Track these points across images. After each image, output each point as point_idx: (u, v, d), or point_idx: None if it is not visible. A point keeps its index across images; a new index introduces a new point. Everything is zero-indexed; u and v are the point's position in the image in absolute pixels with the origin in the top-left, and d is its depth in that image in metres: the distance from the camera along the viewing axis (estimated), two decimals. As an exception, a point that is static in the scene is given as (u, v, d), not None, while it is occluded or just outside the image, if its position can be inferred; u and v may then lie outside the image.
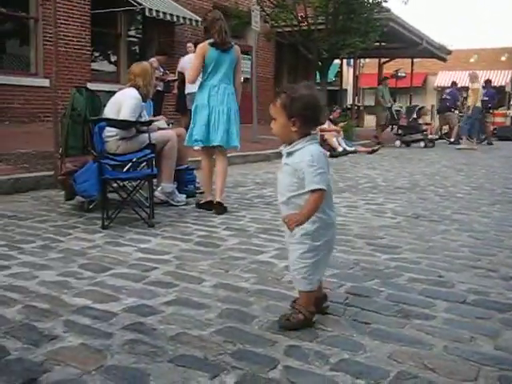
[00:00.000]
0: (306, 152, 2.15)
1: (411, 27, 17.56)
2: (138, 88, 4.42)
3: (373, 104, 16.75)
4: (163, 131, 4.66)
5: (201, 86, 4.55)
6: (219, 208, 4.40)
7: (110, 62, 14.07)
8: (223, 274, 2.85)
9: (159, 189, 4.56)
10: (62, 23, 10.85)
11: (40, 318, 2.21)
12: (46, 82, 11.26)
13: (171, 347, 1.99)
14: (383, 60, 21.58)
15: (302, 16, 13.97)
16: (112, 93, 4.91)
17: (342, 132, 11.35)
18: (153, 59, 9.58)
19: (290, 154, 2.22)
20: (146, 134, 4.26)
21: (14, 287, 2.58)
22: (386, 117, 14.20)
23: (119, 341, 2.03)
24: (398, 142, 14.09)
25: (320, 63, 14.63)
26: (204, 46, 4.47)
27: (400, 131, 14.32)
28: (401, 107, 14.83)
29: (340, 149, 10.75)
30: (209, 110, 4.42)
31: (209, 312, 2.32)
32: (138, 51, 14.98)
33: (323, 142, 10.53)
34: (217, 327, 2.16)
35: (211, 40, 4.45)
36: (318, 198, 2.11)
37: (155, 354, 1.94)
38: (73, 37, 11.89)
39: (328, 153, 10.22)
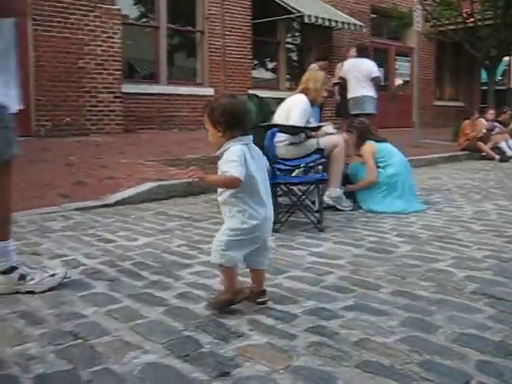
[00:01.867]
0: (228, 151, 2.35)
1: None
2: (307, 92, 4.49)
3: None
4: (331, 136, 4.68)
5: None
6: None
7: (270, 70, 14.49)
8: (400, 282, 2.77)
9: (327, 193, 4.58)
10: (225, 34, 11.38)
11: (226, 315, 2.32)
12: (210, 91, 11.89)
13: (356, 352, 1.97)
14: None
15: (467, 12, 13.28)
16: (272, 100, 5.08)
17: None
18: (313, 65, 9.67)
19: (220, 156, 2.40)
20: (315, 139, 4.31)
21: (199, 285, 2.74)
22: None
23: (303, 342, 2.06)
24: None
25: (487, 61, 13.77)
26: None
27: None
28: None
29: (510, 153, 10.02)
30: None
31: (390, 319, 2.27)
32: (296, 58, 15.27)
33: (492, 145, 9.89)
34: (400, 335, 2.11)
35: None
36: (227, 178, 2.30)
37: (341, 358, 1.93)
38: (235, 47, 12.44)
39: (497, 157, 9.59)
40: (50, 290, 2.64)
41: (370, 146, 4.96)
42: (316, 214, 4.06)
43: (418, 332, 2.14)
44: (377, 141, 5.00)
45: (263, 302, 2.47)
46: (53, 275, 2.69)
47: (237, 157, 2.31)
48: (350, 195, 4.88)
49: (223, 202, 2.42)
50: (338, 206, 4.68)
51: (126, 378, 1.80)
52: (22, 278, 2.63)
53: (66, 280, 2.74)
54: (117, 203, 4.88)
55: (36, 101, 9.03)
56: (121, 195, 5.05)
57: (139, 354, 1.96)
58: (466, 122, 10.40)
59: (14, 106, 2.53)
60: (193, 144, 8.92)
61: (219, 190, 2.44)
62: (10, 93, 2.49)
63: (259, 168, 2.42)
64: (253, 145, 2.44)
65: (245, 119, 2.43)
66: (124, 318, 2.30)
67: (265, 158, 2.54)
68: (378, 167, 4.87)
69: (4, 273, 2.62)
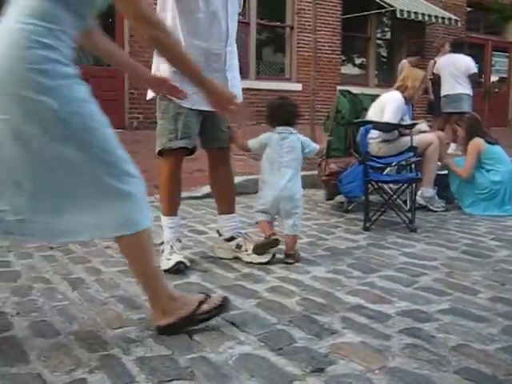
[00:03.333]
0: None
1: None
2: (404, 89, 4.39)
3: None
4: (425, 134, 4.55)
5: None
6: None
7: (359, 65, 14.28)
8: (499, 287, 2.66)
9: (419, 193, 4.46)
10: (316, 29, 11.31)
11: (318, 312, 2.31)
12: (298, 87, 11.88)
13: (454, 358, 1.91)
14: None
15: None
16: (365, 96, 5.00)
17: None
18: (404, 61, 9.46)
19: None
20: (408, 137, 4.20)
21: (291, 279, 2.75)
22: None
23: (398, 344, 2.02)
24: None
25: None
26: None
27: None
28: None
29: None
30: None
31: (490, 326, 2.18)
32: (385, 54, 14.95)
33: None
34: (502, 344, 2.02)
35: None
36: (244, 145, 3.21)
37: (438, 362, 1.88)
38: (325, 42, 12.34)
39: None
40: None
41: (478, 142, 4.68)
42: (408, 214, 3.96)
43: (521, 341, 2.04)
44: (488, 142, 4.73)
45: (288, 263, 2.99)
46: (169, 259, 2.84)
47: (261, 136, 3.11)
48: (443, 196, 4.72)
49: None
50: (431, 207, 4.55)
51: (222, 366, 1.83)
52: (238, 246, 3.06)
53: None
54: (207, 196, 4.97)
55: (129, 94, 9.38)
56: (208, 188, 5.14)
57: (234, 345, 1.99)
58: None
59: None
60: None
61: None
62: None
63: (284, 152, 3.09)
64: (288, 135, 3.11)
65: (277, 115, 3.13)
66: (218, 308, 2.34)
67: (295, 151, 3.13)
68: (482, 168, 4.65)
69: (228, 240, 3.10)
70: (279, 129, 3.13)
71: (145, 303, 2.38)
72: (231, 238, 3.11)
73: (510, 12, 11.99)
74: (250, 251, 3.04)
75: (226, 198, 3.18)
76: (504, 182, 4.54)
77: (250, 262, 3.01)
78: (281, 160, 3.10)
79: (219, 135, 3.02)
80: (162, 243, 2.95)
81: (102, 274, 2.80)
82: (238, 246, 3.08)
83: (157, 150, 2.90)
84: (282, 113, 3.15)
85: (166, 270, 2.77)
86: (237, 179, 5.37)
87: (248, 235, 3.27)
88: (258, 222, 3.19)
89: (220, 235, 3.18)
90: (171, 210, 2.98)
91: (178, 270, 2.81)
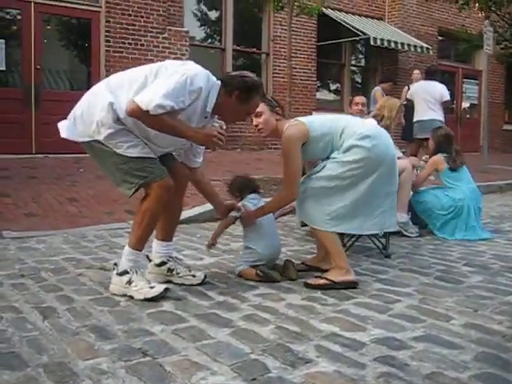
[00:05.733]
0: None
1: None
2: (380, 119, 4.45)
3: None
4: (398, 160, 4.58)
5: None
6: None
7: (334, 91, 14.48)
8: (472, 314, 2.68)
9: (393, 219, 4.49)
10: (291, 56, 11.46)
11: (293, 340, 2.30)
12: (274, 112, 11.95)
13: (428, 386, 1.91)
14: None
15: (540, 34, 12.90)
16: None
17: None
18: (377, 87, 9.61)
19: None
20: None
21: (265, 307, 2.73)
22: None
23: (373, 372, 2.01)
24: None
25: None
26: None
27: None
28: None
29: None
30: None
31: (463, 353, 2.19)
32: (360, 80, 15.20)
33: None
34: (475, 371, 2.02)
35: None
36: None
37: (412, 391, 1.88)
38: (300, 68, 12.52)
39: None
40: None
41: (439, 160, 4.79)
42: (382, 240, 3.99)
43: (494, 369, 2.05)
44: (450, 168, 4.81)
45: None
46: (152, 287, 2.83)
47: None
48: (417, 222, 4.77)
49: None
50: (405, 232, 4.59)
51: (195, 398, 1.81)
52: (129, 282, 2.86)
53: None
54: (182, 222, 4.93)
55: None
56: (186, 214, 5.11)
57: (207, 375, 1.96)
58: None
59: None
60: (256, 164, 9.00)
61: None
62: None
63: None
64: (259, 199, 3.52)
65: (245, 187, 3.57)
66: (191, 337, 2.32)
67: None
68: (444, 188, 4.75)
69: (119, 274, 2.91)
70: (251, 196, 3.48)
71: (117, 332, 2.35)
72: (162, 263, 3.14)
73: (478, 42, 12.31)
74: (182, 273, 3.11)
75: (173, 225, 3.24)
76: (465, 198, 4.63)
77: (182, 284, 3.08)
78: (263, 222, 3.36)
79: (174, 160, 3.12)
80: (118, 273, 2.90)
81: (74, 303, 2.75)
82: (170, 270, 3.13)
83: (131, 191, 2.87)
84: (250, 184, 3.58)
85: (150, 299, 2.76)
86: (199, 209, 5.36)
87: (178, 258, 3.29)
88: (241, 271, 3.29)
89: (150, 260, 3.19)
90: (144, 245, 2.95)
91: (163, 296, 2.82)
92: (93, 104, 2.84)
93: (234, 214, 3.35)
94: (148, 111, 2.63)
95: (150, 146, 2.89)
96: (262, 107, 3.20)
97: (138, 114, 2.68)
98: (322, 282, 3.11)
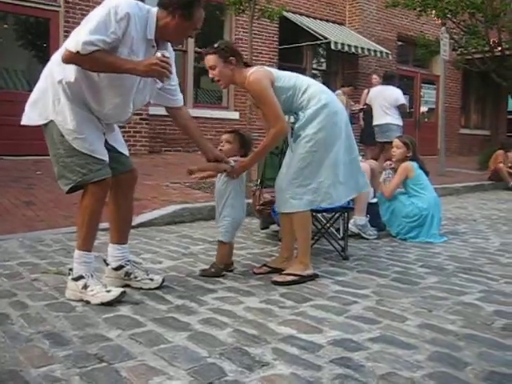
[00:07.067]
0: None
1: None
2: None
3: None
4: (357, 163, 4.65)
5: None
6: None
7: (295, 95, 14.52)
8: (427, 314, 2.73)
9: (352, 221, 4.56)
10: (253, 59, 11.49)
11: (250, 344, 2.30)
12: (236, 115, 11.99)
13: (382, 387, 1.94)
14: None
15: (494, 41, 13.25)
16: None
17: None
18: (338, 91, 9.72)
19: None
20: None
21: (224, 311, 2.73)
22: None
23: (329, 374, 2.03)
24: None
25: (515, 91, 13.68)
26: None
27: None
28: None
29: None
30: None
31: (417, 353, 2.23)
32: (321, 84, 15.30)
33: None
34: (428, 370, 2.07)
35: None
36: None
37: (367, 392, 1.90)
38: (262, 72, 12.52)
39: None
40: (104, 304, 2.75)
41: (410, 167, 4.83)
42: (340, 242, 4.04)
43: (446, 368, 2.09)
44: (421, 168, 4.90)
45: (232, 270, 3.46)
46: (108, 291, 2.79)
47: None
48: (375, 224, 4.84)
49: None
50: (363, 235, 4.65)
51: (150, 404, 1.79)
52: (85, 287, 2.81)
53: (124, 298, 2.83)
54: (141, 225, 4.91)
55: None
56: (145, 217, 5.08)
57: (163, 380, 1.95)
58: (500, 151, 10.24)
59: None
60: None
61: None
62: None
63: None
64: None
65: None
66: (148, 342, 2.29)
67: None
68: (409, 195, 4.81)
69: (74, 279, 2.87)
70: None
71: (73, 338, 2.31)
72: (119, 267, 3.10)
73: (435, 47, 12.59)
74: (139, 277, 3.07)
75: (125, 227, 3.18)
76: (430, 208, 4.70)
77: (140, 288, 3.05)
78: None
79: (123, 159, 3.05)
80: (73, 278, 2.86)
81: (29, 309, 2.69)
82: (127, 274, 3.09)
83: (68, 187, 2.80)
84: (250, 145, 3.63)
85: (106, 303, 2.73)
86: (172, 208, 5.35)
87: (136, 262, 3.28)
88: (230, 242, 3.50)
89: (107, 264, 3.15)
90: (92, 244, 2.93)
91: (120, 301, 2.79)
92: (44, 85, 2.80)
93: (229, 164, 3.33)
94: (79, 52, 2.56)
95: (107, 119, 2.87)
96: (214, 60, 3.26)
97: (71, 58, 2.61)
98: (290, 278, 3.21)
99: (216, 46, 3.30)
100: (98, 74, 2.73)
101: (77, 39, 2.59)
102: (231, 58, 3.28)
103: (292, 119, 3.44)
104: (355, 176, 3.48)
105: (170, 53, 2.92)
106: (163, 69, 2.68)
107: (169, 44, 2.97)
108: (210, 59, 3.27)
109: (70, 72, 2.71)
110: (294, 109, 3.34)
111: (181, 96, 3.19)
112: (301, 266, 3.29)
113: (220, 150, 3.43)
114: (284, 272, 3.29)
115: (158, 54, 2.68)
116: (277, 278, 3.24)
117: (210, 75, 3.32)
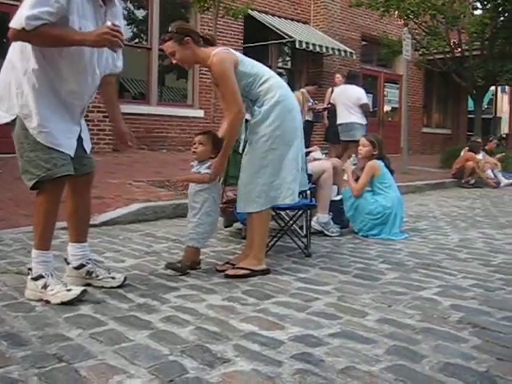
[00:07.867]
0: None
1: None
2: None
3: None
4: (319, 162, 4.71)
5: None
6: None
7: (260, 93, 14.56)
8: (386, 309, 2.78)
9: (315, 219, 4.60)
10: (218, 57, 11.50)
11: (211, 341, 2.31)
12: (200, 113, 11.96)
13: (341, 381, 1.97)
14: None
15: (455, 42, 13.54)
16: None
17: (499, 164, 10.69)
18: (302, 90, 9.78)
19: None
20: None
21: (186, 308, 2.73)
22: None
23: (289, 370, 2.05)
24: None
25: (474, 91, 13.99)
26: None
27: None
28: None
29: (503, 182, 10.21)
30: None
31: (376, 347, 2.27)
32: (286, 82, 15.37)
33: (479, 174, 10.01)
34: (386, 364, 2.11)
35: None
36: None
37: (326, 386, 1.93)
38: (227, 70, 12.51)
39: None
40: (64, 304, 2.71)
41: (376, 166, 4.88)
42: (303, 239, 4.07)
43: (404, 361, 2.14)
44: (387, 167, 4.96)
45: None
46: (69, 290, 2.75)
47: None
48: (338, 221, 4.90)
49: None
50: (326, 232, 4.70)
51: (110, 403, 1.78)
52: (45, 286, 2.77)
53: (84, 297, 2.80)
54: (104, 223, 4.86)
55: None
56: (108, 215, 5.03)
57: (124, 379, 1.94)
58: (470, 153, 10.41)
59: None
60: (182, 165, 8.91)
61: None
62: None
63: None
64: None
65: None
66: (109, 341, 2.28)
67: None
68: (373, 193, 4.87)
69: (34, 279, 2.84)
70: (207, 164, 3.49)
71: (32, 338, 2.28)
72: (80, 266, 3.07)
73: (398, 47, 12.80)
74: (101, 276, 3.05)
75: (84, 225, 3.15)
76: (393, 206, 4.78)
77: (102, 287, 3.03)
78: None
79: (85, 161, 3.01)
80: (33, 277, 2.83)
81: (-14, 309, 2.65)
82: (89, 273, 3.06)
83: (32, 182, 2.77)
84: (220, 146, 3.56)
85: (67, 302, 2.70)
86: (135, 206, 5.31)
87: (97, 261, 3.27)
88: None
89: (68, 263, 3.11)
90: (49, 243, 2.89)
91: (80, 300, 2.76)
92: (7, 79, 2.74)
93: (207, 171, 3.40)
94: (24, 29, 2.50)
95: (81, 95, 2.83)
96: (171, 46, 3.27)
97: (17, 35, 2.57)
98: (242, 272, 3.28)
99: (169, 30, 3.29)
100: (58, 53, 2.67)
101: (20, 16, 2.52)
102: (186, 38, 3.27)
103: (248, 116, 3.47)
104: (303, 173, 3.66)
105: (117, 9, 2.88)
106: (114, 38, 2.61)
107: (116, 1, 2.88)
108: (168, 46, 3.27)
109: (32, 60, 2.65)
110: (251, 96, 3.38)
111: (121, 62, 3.10)
112: (254, 261, 3.36)
113: (194, 152, 3.43)
114: (237, 266, 3.34)
115: (108, 23, 2.64)
116: (229, 271, 3.32)
117: (173, 61, 3.31)
